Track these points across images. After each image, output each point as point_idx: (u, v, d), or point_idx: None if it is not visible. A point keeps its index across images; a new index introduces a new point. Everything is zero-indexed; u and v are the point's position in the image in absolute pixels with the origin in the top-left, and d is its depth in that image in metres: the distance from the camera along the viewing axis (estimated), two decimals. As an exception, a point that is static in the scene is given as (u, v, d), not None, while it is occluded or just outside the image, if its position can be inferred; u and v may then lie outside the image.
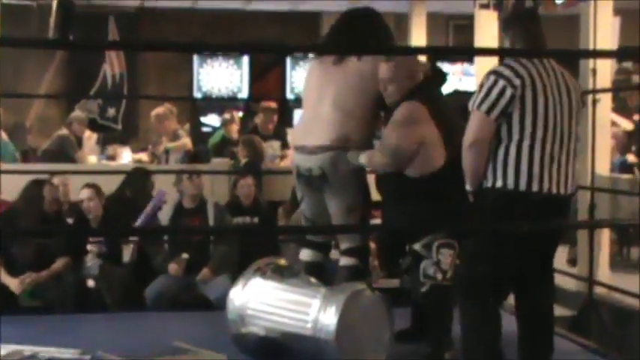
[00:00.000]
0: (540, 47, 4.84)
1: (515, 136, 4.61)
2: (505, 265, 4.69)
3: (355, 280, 5.34)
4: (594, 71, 7.73)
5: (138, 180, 8.69)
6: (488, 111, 4.60)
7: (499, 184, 4.62)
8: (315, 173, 5.43)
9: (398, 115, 5.21)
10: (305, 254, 5.79)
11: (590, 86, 7.80)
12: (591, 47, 8.09)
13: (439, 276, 5.30)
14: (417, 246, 5.31)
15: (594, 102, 7.76)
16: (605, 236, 7.83)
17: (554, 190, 4.62)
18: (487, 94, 4.60)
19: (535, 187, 4.58)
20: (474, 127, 4.66)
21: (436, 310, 5.44)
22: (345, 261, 5.59)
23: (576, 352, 5.86)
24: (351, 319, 4.86)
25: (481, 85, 4.67)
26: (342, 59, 5.47)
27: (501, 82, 4.57)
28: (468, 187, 4.97)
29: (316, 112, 5.45)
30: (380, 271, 7.87)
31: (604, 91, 8.10)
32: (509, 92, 4.57)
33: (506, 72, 4.59)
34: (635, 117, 10.31)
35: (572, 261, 9.13)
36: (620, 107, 9.83)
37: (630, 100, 11.00)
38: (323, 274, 5.66)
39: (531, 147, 4.60)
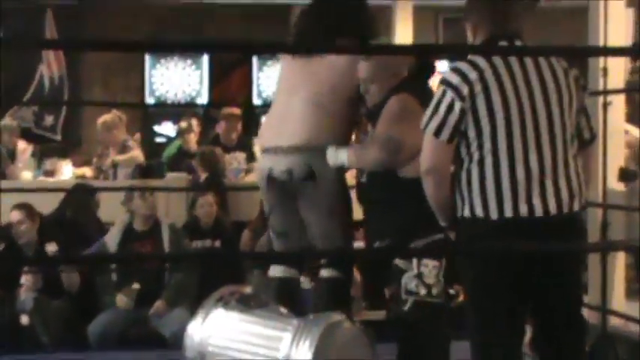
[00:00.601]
0: (513, 30, 4.50)
1: (476, 155, 4.35)
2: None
3: (338, 296, 5.33)
4: (605, 70, 7.74)
5: (80, 199, 8.64)
6: (437, 132, 4.35)
7: (467, 213, 4.38)
8: (289, 176, 5.42)
9: (392, 108, 5.19)
10: (275, 270, 5.75)
11: (601, 87, 7.83)
12: (601, 43, 8.12)
13: (422, 291, 5.25)
14: (397, 259, 5.31)
15: (605, 105, 7.79)
16: (619, 260, 7.84)
17: (539, 212, 4.29)
18: (434, 111, 4.37)
19: (508, 213, 4.29)
20: (426, 153, 4.43)
21: (423, 333, 5.33)
22: (326, 273, 5.57)
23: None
24: (328, 356, 4.84)
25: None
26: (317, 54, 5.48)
27: (449, 95, 4.32)
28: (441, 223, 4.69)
29: (288, 109, 5.46)
30: (362, 302, 7.86)
31: (616, 92, 8.12)
32: (457, 106, 4.30)
33: (455, 78, 4.31)
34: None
35: (583, 288, 9.16)
36: (633, 112, 9.85)
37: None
38: (296, 295, 5.66)
39: (496, 164, 4.31)
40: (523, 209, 4.28)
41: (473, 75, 4.29)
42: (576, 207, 4.39)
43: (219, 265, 7.87)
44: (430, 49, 9.51)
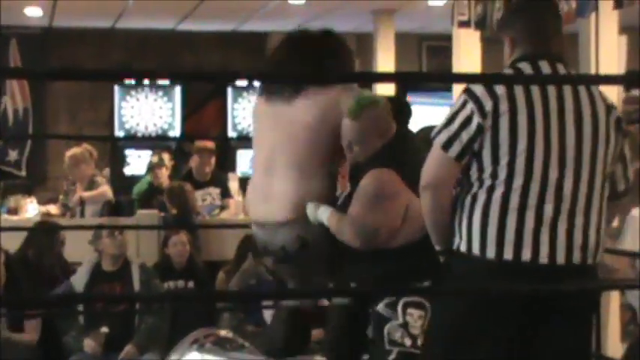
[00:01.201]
0: (555, 49, 4.16)
1: (487, 182, 4.02)
2: None
3: (348, 327, 5.30)
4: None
5: (43, 238, 8.58)
6: (446, 146, 4.04)
7: (463, 247, 4.07)
8: (283, 251, 5.37)
9: (368, 189, 5.11)
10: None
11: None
12: (593, 71, 8.14)
13: (407, 342, 5.18)
14: (379, 306, 5.27)
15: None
16: (614, 300, 7.83)
17: (543, 259, 3.95)
18: (449, 122, 4.05)
19: (508, 255, 3.96)
20: (429, 165, 4.15)
21: None
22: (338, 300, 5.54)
23: None
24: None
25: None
26: (293, 97, 5.34)
27: (469, 107, 3.99)
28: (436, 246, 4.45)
29: (270, 180, 5.38)
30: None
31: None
32: (475, 121, 3.97)
33: (479, 89, 3.97)
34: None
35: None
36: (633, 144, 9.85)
37: (641, 136, 11.08)
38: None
39: (505, 198, 3.98)
40: (526, 254, 3.95)
41: (501, 90, 3.95)
42: (589, 261, 4.05)
43: (192, 307, 7.83)
44: (413, 78, 9.51)
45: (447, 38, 11.11)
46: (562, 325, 4.05)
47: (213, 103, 15.17)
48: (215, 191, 10.33)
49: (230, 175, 11.40)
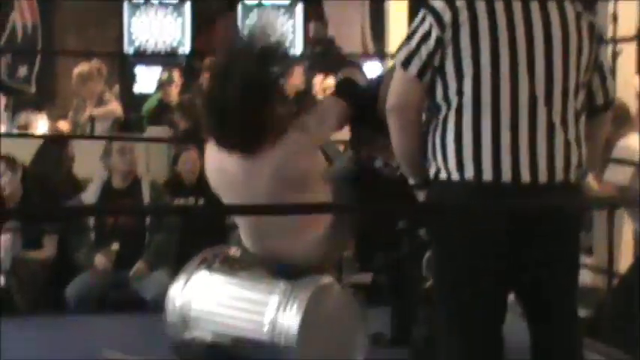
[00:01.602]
0: None
1: (454, 102, 3.78)
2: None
3: None
4: (615, 16, 7.72)
5: (52, 153, 8.58)
6: (405, 63, 3.81)
7: (441, 173, 3.83)
8: None
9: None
10: None
11: (610, 35, 7.79)
12: (613, 32, 8.08)
13: None
14: (422, 231, 5.26)
15: (615, 54, 7.77)
16: (627, 219, 7.84)
17: (525, 178, 3.74)
18: (408, 39, 3.83)
19: (488, 176, 3.73)
20: (391, 86, 3.91)
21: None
22: None
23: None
24: (317, 321, 4.82)
25: None
26: (254, 150, 4.79)
27: (428, 21, 3.77)
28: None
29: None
30: (354, 264, 7.86)
31: (628, 40, 8.09)
32: (434, 35, 3.74)
33: (438, 3, 3.76)
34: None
35: (588, 249, 9.16)
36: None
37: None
38: None
39: (476, 117, 3.75)
40: (507, 174, 3.72)
41: (461, 1, 3.73)
42: (572, 177, 3.84)
43: (202, 224, 7.85)
44: None
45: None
46: (547, 241, 3.87)
47: (223, 19, 15.12)
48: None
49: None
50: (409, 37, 3.82)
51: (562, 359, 4.00)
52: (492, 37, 3.70)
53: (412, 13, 13.50)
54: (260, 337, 4.84)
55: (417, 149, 3.90)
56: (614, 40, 7.79)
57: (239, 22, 14.95)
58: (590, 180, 6.92)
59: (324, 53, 13.07)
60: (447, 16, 3.71)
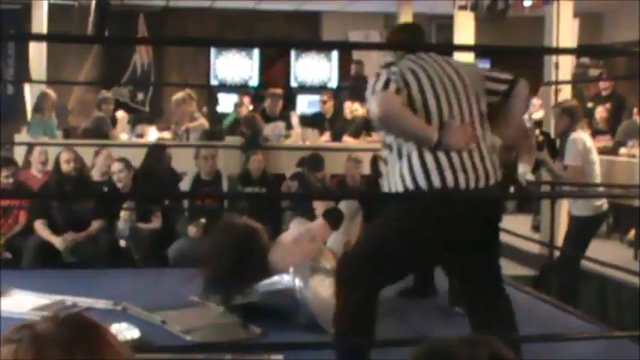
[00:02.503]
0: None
1: None
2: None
3: None
4: (557, 65, 7.72)
5: (157, 154, 8.63)
6: (384, 87, 3.66)
7: (410, 185, 3.66)
8: None
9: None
10: None
11: (553, 78, 7.79)
12: (554, 45, 8.07)
13: None
14: None
15: (557, 92, 7.77)
16: (564, 205, 7.81)
17: (472, 184, 3.65)
18: (375, 82, 3.69)
19: (451, 183, 3.63)
20: (376, 103, 3.61)
21: None
22: None
23: (537, 305, 5.87)
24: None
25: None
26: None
27: (387, 76, 3.69)
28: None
29: None
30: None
31: (564, 82, 8.09)
32: (393, 85, 3.66)
33: (393, 70, 3.73)
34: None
35: (536, 227, 9.13)
36: (578, 96, 9.78)
37: (587, 91, 11.00)
38: None
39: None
40: (461, 181, 3.63)
41: (409, 74, 3.72)
42: (492, 182, 3.73)
43: (263, 207, 7.88)
44: (423, 47, 9.33)
45: (450, 17, 11.00)
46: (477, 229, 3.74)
47: (281, 61, 15.15)
48: (281, 124, 10.32)
49: (292, 113, 11.39)
50: (375, 82, 3.68)
51: (495, 323, 3.79)
52: (433, 90, 3.68)
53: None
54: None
55: (415, 118, 3.66)
56: (557, 82, 7.79)
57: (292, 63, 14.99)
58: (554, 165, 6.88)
59: (359, 86, 13.08)
60: (404, 79, 3.68)
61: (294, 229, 5.25)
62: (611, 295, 7.28)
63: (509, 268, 8.15)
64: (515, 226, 7.78)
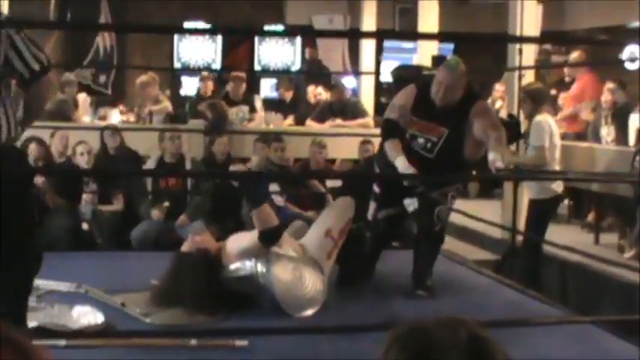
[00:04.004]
0: None
1: None
2: None
3: None
4: (520, 51, 7.73)
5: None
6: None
7: None
8: None
9: (491, 110, 5.71)
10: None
11: (517, 64, 7.80)
12: (518, 32, 8.08)
13: (447, 220, 5.55)
14: (434, 193, 5.31)
15: (520, 77, 7.79)
16: (527, 191, 7.84)
17: None
18: None
19: None
20: None
21: (437, 247, 5.63)
22: None
23: (500, 289, 5.91)
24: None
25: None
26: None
27: None
28: None
29: None
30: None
31: (528, 68, 8.11)
32: None
33: None
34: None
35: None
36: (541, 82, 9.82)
37: (549, 77, 11.06)
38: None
39: None
40: None
41: None
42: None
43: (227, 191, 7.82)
44: (388, 35, 9.34)
45: (414, 2, 10.99)
46: None
47: (245, 44, 15.08)
48: (245, 108, 10.24)
49: (256, 97, 11.32)
50: None
51: None
52: None
53: (379, 44, 13.53)
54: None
55: None
56: (520, 68, 7.81)
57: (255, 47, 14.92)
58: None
59: (314, 70, 13.04)
60: None
61: (241, 236, 5.21)
62: (572, 278, 7.33)
63: (472, 252, 8.21)
64: (479, 211, 7.82)
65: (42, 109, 4.26)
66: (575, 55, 10.43)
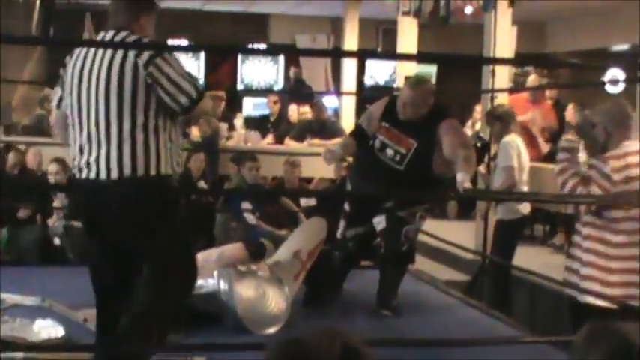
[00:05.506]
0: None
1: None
2: None
3: None
4: (493, 73, 7.79)
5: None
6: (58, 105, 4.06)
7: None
8: None
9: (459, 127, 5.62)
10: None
11: (490, 86, 7.87)
12: (492, 53, 8.16)
13: (415, 240, 5.59)
14: (402, 213, 5.36)
15: (492, 99, 7.88)
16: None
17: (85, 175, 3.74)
18: None
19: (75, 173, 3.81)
20: None
21: (403, 266, 5.65)
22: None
23: (463, 309, 5.95)
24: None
25: None
26: None
27: None
28: None
29: None
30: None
31: (500, 90, 8.18)
32: (61, 72, 4.03)
33: None
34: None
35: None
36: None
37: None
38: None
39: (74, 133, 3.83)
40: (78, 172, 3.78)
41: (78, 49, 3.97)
42: (114, 176, 3.69)
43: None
44: (370, 55, 9.39)
45: (396, 22, 11.06)
46: None
47: (228, 63, 15.15)
48: (224, 126, 10.29)
49: (238, 115, 11.39)
50: None
51: None
52: (79, 76, 3.91)
53: (362, 64, 13.61)
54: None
55: None
56: (492, 90, 7.89)
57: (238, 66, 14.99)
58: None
59: (298, 89, 13.12)
60: (68, 59, 4.06)
61: (207, 253, 5.31)
62: (541, 300, 7.39)
63: (444, 272, 8.27)
64: (457, 232, 7.88)
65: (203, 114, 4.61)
66: (532, 78, 10.58)
